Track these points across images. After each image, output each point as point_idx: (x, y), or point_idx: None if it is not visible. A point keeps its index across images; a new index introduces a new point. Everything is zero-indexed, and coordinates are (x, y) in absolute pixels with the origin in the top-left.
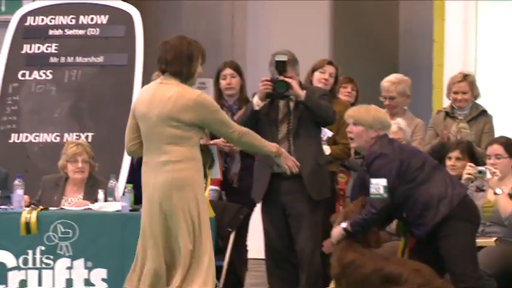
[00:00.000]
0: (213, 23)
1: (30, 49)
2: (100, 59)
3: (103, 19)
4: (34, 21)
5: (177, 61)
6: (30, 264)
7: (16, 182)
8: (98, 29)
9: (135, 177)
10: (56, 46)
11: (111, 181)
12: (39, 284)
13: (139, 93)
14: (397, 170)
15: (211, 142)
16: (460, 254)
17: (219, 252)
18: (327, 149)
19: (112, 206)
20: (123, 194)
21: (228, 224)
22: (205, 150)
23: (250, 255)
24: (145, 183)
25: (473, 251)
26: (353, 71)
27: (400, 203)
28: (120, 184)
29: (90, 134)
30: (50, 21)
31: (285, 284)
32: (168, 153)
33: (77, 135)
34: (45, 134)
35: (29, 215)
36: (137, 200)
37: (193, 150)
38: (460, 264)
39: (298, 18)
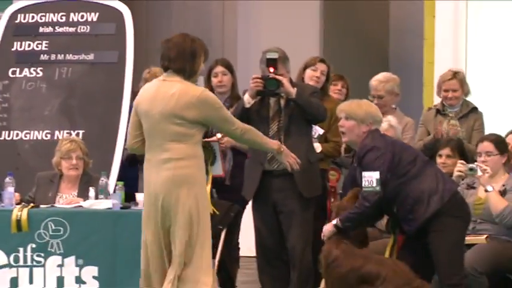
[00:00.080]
0: (203, 21)
1: (20, 46)
2: (90, 57)
3: (93, 16)
4: (24, 19)
5: (180, 58)
6: (21, 262)
7: (7, 179)
8: (88, 27)
9: (126, 175)
10: (46, 43)
11: (102, 179)
12: (30, 281)
13: (142, 90)
14: (389, 163)
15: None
16: (448, 251)
17: None
18: (318, 147)
19: (103, 204)
20: (114, 192)
21: (219, 222)
22: (207, 147)
23: (241, 253)
24: (147, 180)
25: (461, 249)
26: (343, 68)
27: (391, 198)
28: (111, 181)
29: (80, 132)
30: (40, 19)
31: (276, 282)
32: (171, 150)
33: (67, 133)
34: (36, 132)
35: (20, 213)
36: (128, 197)
37: (195, 148)
38: (447, 261)
39: (288, 16)
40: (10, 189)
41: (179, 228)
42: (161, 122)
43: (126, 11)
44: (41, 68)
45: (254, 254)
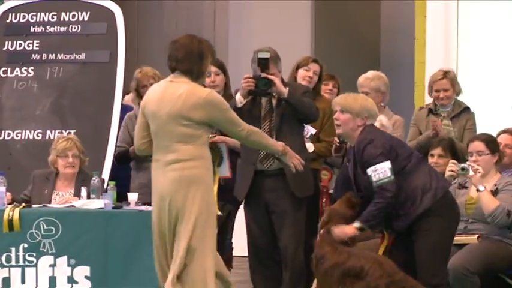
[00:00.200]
0: (194, 21)
1: (11, 46)
2: (82, 56)
3: (84, 16)
4: (15, 18)
5: (187, 59)
6: (13, 262)
7: None
8: (79, 26)
9: (117, 174)
10: (37, 43)
11: (93, 178)
12: (23, 281)
13: (149, 91)
14: (388, 154)
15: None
16: (431, 251)
17: None
18: (310, 147)
19: (95, 204)
20: (106, 191)
21: None
22: (214, 148)
23: (234, 252)
24: (155, 180)
25: (445, 250)
26: (335, 68)
27: None
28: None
29: (72, 131)
30: (32, 18)
31: (269, 282)
32: (178, 151)
33: (59, 132)
34: (28, 131)
35: (12, 213)
36: (120, 197)
37: (202, 149)
38: (429, 261)
39: (279, 16)
40: (1, 188)
41: (184, 229)
42: (168, 123)
43: (117, 11)
44: (32, 68)
45: (246, 254)
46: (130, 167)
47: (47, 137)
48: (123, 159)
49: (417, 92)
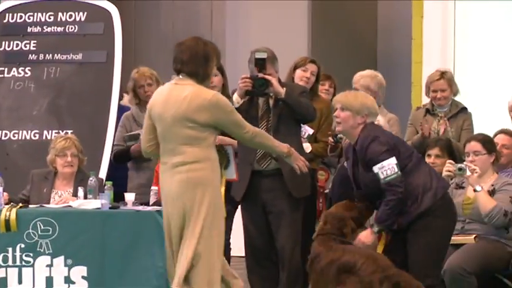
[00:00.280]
0: (191, 21)
1: (8, 46)
2: (79, 56)
3: (81, 16)
4: (12, 18)
5: (192, 61)
6: (10, 262)
7: None
8: (76, 26)
9: (114, 174)
10: (34, 43)
11: (91, 178)
12: (19, 281)
13: (155, 93)
14: (392, 151)
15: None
16: (425, 251)
17: None
18: (307, 147)
19: (92, 204)
20: (103, 191)
21: None
22: (221, 150)
23: (232, 253)
24: (163, 183)
25: (440, 251)
26: (332, 68)
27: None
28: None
29: (69, 131)
30: (29, 18)
31: (266, 282)
32: (184, 154)
33: (56, 132)
34: (25, 131)
35: (9, 213)
36: (117, 197)
37: (208, 151)
38: (422, 262)
39: (276, 16)
40: None
41: (192, 231)
42: (174, 125)
43: (114, 11)
44: (29, 68)
45: (244, 254)
46: (127, 167)
47: (44, 137)
48: (121, 158)
49: (414, 92)
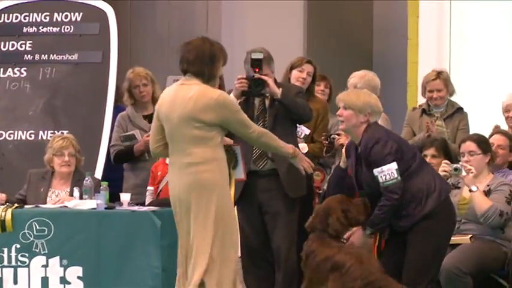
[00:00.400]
0: (187, 21)
1: (4, 46)
2: (74, 57)
3: (77, 16)
4: (8, 19)
5: (199, 61)
6: (5, 262)
7: None
8: (72, 27)
9: (110, 175)
10: (30, 43)
11: (86, 179)
12: (15, 282)
13: (163, 94)
14: (396, 153)
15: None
16: (423, 255)
17: None
18: (304, 147)
19: (87, 204)
20: (99, 192)
21: None
22: (229, 150)
23: None
24: (172, 183)
25: (438, 255)
26: (327, 68)
27: None
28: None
29: (65, 132)
30: (24, 19)
31: (261, 282)
32: (191, 154)
33: (51, 133)
34: (20, 132)
35: (4, 213)
36: (112, 197)
37: (216, 151)
38: (418, 266)
39: (272, 16)
40: None
41: (201, 235)
42: (180, 125)
43: (110, 11)
44: (25, 68)
45: (240, 254)
46: (122, 168)
47: (39, 138)
48: (122, 159)
49: (410, 92)
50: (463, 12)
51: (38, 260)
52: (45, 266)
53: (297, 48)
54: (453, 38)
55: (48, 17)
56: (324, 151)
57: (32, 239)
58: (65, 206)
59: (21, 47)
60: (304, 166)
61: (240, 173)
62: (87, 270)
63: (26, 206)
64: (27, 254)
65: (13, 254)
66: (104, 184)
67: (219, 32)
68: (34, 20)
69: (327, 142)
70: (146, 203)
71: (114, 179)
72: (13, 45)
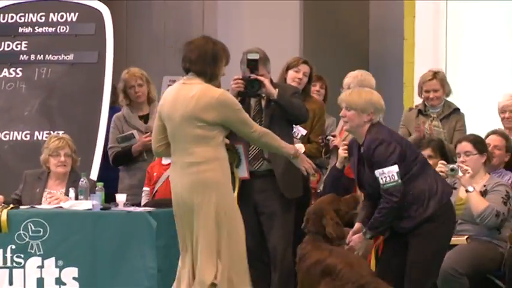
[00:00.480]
0: (183, 21)
1: None
2: (70, 57)
3: (73, 16)
4: (3, 19)
5: (201, 60)
6: (0, 263)
7: None
8: (67, 27)
9: (106, 176)
10: (25, 44)
11: (81, 179)
12: (10, 283)
13: (165, 93)
14: (399, 155)
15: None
16: (426, 259)
17: None
18: (300, 147)
19: (83, 205)
20: (94, 192)
21: None
22: (231, 149)
23: None
24: (173, 183)
25: (440, 257)
26: (324, 68)
27: None
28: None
29: (60, 132)
30: (20, 19)
31: (257, 283)
32: (193, 154)
33: (47, 133)
34: (16, 132)
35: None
36: (108, 198)
37: (218, 150)
38: (422, 269)
39: (268, 16)
40: None
41: (203, 234)
42: (182, 125)
43: (105, 11)
44: (20, 69)
45: None
46: (118, 168)
47: (35, 138)
48: (121, 160)
49: (406, 92)
50: (459, 12)
51: (34, 261)
52: (41, 266)
53: (293, 48)
54: (449, 38)
55: (43, 17)
56: (323, 152)
57: (27, 239)
58: (61, 207)
59: (17, 47)
60: (305, 167)
61: (244, 172)
62: (82, 271)
63: (22, 207)
64: (22, 255)
65: (8, 254)
66: (100, 185)
67: (215, 32)
68: (30, 20)
69: (322, 143)
70: (142, 204)
71: (110, 180)
72: (8, 46)
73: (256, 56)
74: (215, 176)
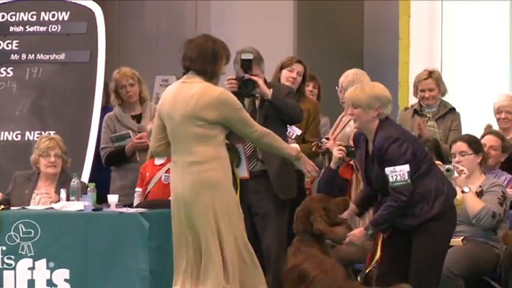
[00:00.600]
0: (176, 21)
1: None
2: (61, 56)
3: (64, 15)
4: None
5: (201, 59)
6: None
7: None
8: (59, 26)
9: (97, 176)
10: (16, 43)
11: (73, 180)
12: (0, 284)
13: (164, 92)
14: (412, 154)
15: None
16: (431, 259)
17: None
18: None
19: (75, 206)
20: (86, 193)
21: None
22: (231, 149)
23: None
24: (174, 182)
25: (443, 257)
26: (318, 68)
27: None
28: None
29: (51, 132)
30: (11, 18)
31: None
32: (194, 153)
33: (38, 133)
34: (6, 132)
35: None
36: (100, 199)
37: (219, 149)
38: (428, 269)
39: (262, 16)
40: None
41: (206, 234)
42: (183, 123)
43: (97, 10)
44: (11, 68)
45: None
46: (110, 169)
47: (26, 138)
48: (113, 160)
49: (401, 92)
50: (454, 12)
51: (24, 263)
52: (32, 268)
53: (287, 47)
54: (445, 38)
55: (35, 16)
56: (321, 154)
57: (18, 241)
58: (52, 208)
59: (8, 46)
60: (308, 169)
61: (244, 171)
62: (74, 272)
63: (12, 208)
64: (13, 257)
65: None
66: (92, 185)
67: (208, 32)
68: (21, 19)
69: (317, 145)
70: (134, 205)
71: (101, 180)
72: None
73: (250, 56)
74: (217, 175)
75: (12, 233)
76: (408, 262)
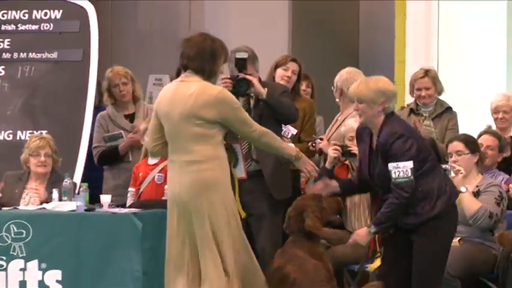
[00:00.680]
0: (169, 21)
1: None
2: (54, 55)
3: (57, 14)
4: None
5: (199, 57)
6: None
7: None
8: (51, 24)
9: (90, 176)
10: (8, 41)
11: (65, 180)
12: None
13: (161, 92)
14: (416, 151)
15: None
16: (433, 259)
17: None
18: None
19: (67, 206)
20: (78, 193)
21: None
22: (229, 149)
23: None
24: (171, 182)
25: (445, 257)
26: (313, 67)
27: None
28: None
29: (44, 132)
30: (2, 16)
31: None
32: (193, 152)
33: (30, 133)
34: None
35: None
36: (92, 199)
37: (217, 148)
38: (429, 269)
39: (256, 15)
40: None
41: (204, 235)
42: (181, 123)
43: (90, 9)
44: (3, 67)
45: None
46: (103, 169)
47: (17, 138)
48: (106, 160)
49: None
50: (450, 11)
51: (16, 264)
52: (23, 269)
53: (282, 46)
54: (441, 37)
55: (27, 15)
56: (319, 153)
57: (9, 241)
58: (44, 208)
59: None
60: (308, 169)
61: (241, 172)
62: (66, 273)
63: (4, 208)
64: (4, 257)
65: None
66: (84, 185)
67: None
68: (12, 17)
69: (312, 145)
70: (127, 205)
71: (94, 180)
72: None
73: (244, 55)
74: (215, 175)
75: (3, 233)
76: (409, 262)
